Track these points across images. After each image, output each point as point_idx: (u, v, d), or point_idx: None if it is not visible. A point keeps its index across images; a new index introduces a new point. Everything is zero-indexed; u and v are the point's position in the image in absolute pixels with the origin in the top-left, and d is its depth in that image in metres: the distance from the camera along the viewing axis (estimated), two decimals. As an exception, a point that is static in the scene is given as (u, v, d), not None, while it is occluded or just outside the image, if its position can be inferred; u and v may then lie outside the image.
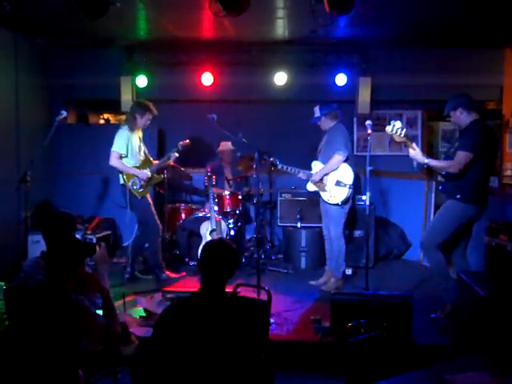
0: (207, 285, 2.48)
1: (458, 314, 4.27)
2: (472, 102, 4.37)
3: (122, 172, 5.45)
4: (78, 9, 4.32)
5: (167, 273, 5.73)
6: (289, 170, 5.49)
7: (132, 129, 5.47)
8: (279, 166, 5.54)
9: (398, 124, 4.27)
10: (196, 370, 2.31)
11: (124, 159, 5.44)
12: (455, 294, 4.31)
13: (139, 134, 5.59)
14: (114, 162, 5.42)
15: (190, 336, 2.35)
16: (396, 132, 4.27)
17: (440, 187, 4.53)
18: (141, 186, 5.45)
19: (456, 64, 6.92)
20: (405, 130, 4.28)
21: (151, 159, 5.71)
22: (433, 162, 4.37)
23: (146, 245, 5.77)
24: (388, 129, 4.31)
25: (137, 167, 5.49)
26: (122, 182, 5.48)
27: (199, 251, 5.07)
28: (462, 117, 4.35)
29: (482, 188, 4.34)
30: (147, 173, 5.47)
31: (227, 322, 2.39)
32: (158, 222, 5.59)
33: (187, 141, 5.67)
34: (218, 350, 2.33)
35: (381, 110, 7.33)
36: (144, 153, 5.61)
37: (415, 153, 4.35)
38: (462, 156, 4.21)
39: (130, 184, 5.41)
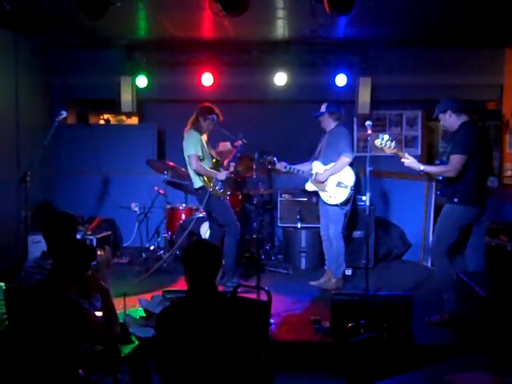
0: (200, 285, 2.48)
1: (457, 315, 4.27)
2: (461, 105, 4.38)
3: (199, 175, 5.29)
4: (78, 9, 4.32)
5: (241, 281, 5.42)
6: (290, 169, 5.46)
7: (199, 131, 5.33)
8: (277, 166, 5.47)
9: (386, 137, 4.38)
10: (197, 370, 2.32)
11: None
12: (455, 303, 4.30)
13: (204, 137, 5.42)
14: (196, 165, 5.22)
15: (190, 336, 2.35)
16: (385, 145, 4.38)
17: (438, 192, 4.55)
18: (222, 187, 5.34)
19: (456, 64, 6.93)
20: (394, 142, 4.39)
21: (219, 161, 5.55)
22: (428, 168, 4.42)
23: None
24: (377, 142, 4.41)
25: (211, 169, 5.36)
26: (199, 185, 5.34)
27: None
28: (451, 120, 4.38)
29: (479, 189, 4.33)
30: (226, 173, 5.35)
31: (228, 323, 2.39)
32: (238, 223, 5.41)
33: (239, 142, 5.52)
34: (219, 350, 2.33)
35: (381, 110, 7.33)
36: (210, 155, 5.46)
37: (409, 161, 4.38)
38: (455, 159, 4.22)
39: (211, 185, 5.27)
